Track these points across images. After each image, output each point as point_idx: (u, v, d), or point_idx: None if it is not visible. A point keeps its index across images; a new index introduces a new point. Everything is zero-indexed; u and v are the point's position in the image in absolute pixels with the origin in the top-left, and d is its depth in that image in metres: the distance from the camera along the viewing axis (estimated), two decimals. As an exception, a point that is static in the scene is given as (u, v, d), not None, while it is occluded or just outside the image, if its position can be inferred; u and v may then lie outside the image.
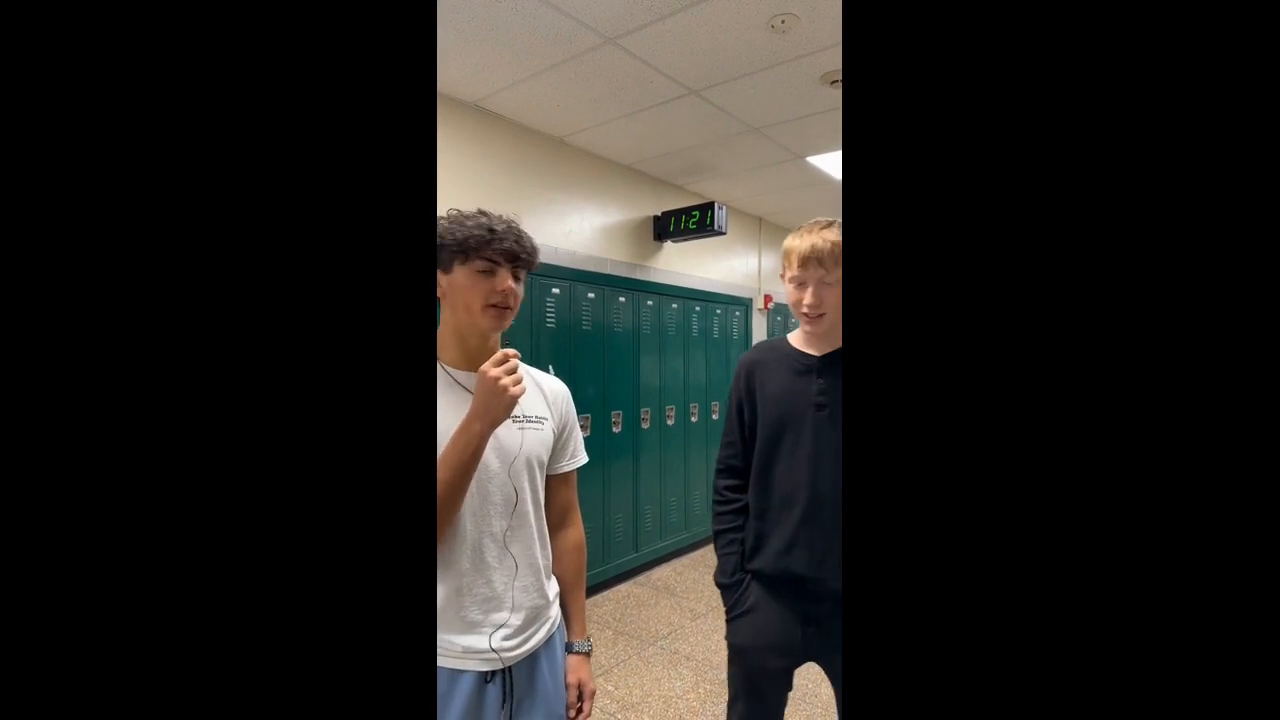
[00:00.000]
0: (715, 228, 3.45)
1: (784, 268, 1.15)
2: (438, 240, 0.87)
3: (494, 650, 0.88)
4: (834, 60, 2.27)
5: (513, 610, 0.90)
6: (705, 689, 2.26)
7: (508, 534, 0.91)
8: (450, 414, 0.85)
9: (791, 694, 1.20)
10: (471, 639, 0.87)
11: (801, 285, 1.10)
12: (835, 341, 1.14)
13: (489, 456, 0.88)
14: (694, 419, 3.82)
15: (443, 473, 0.80)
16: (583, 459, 1.07)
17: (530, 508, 0.94)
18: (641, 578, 3.44)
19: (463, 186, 2.63)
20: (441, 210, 0.88)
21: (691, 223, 3.51)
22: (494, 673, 0.89)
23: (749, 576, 1.16)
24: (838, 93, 2.51)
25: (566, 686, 1.00)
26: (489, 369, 0.82)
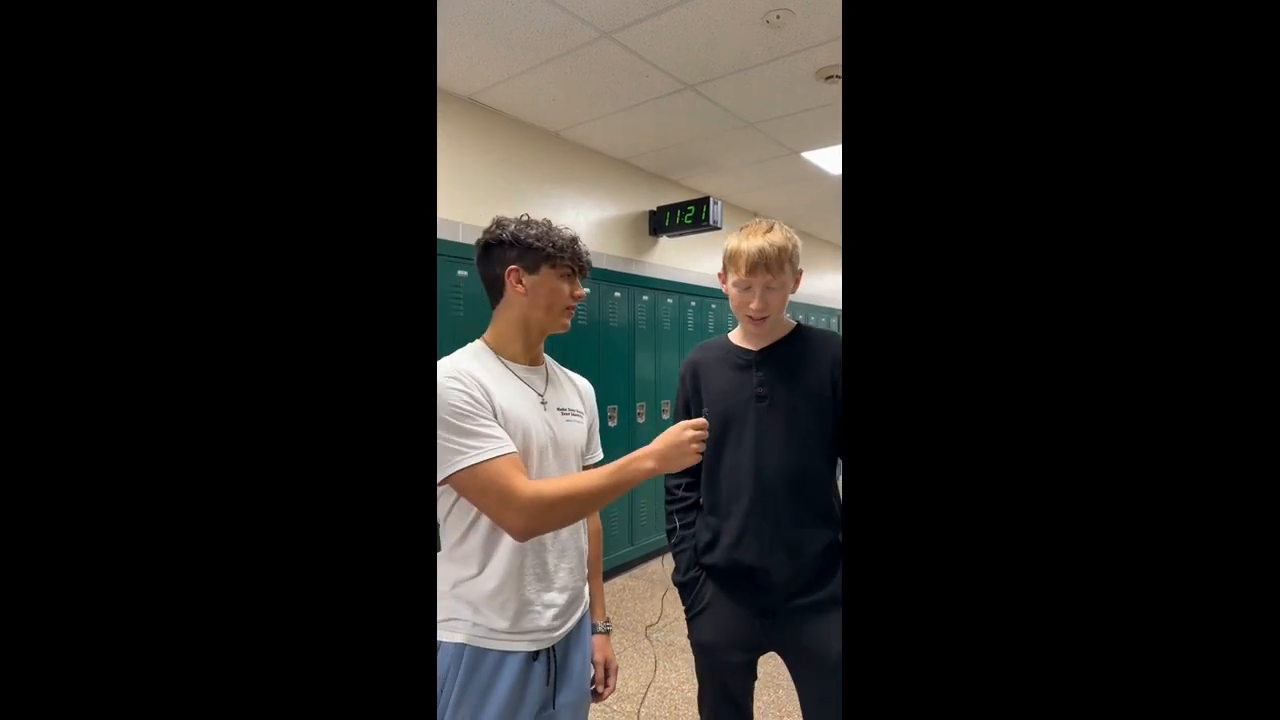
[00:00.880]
0: (710, 223, 3.45)
1: (726, 270, 1.15)
2: (526, 242, 0.94)
3: (545, 630, 0.93)
4: (829, 55, 2.28)
5: (560, 590, 0.96)
6: (700, 680, 2.28)
7: None
8: (519, 402, 0.93)
9: (757, 682, 1.23)
10: (526, 619, 0.92)
11: (748, 289, 1.12)
12: (773, 335, 1.17)
13: (549, 443, 0.95)
14: (689, 413, 3.83)
15: (605, 490, 0.87)
16: (601, 454, 1.13)
17: None
18: (637, 570, 3.46)
19: (458, 181, 2.61)
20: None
21: (687, 218, 3.51)
22: (539, 651, 0.94)
23: (703, 573, 1.19)
24: (833, 88, 2.52)
25: (593, 664, 1.07)
26: (688, 428, 0.90)
